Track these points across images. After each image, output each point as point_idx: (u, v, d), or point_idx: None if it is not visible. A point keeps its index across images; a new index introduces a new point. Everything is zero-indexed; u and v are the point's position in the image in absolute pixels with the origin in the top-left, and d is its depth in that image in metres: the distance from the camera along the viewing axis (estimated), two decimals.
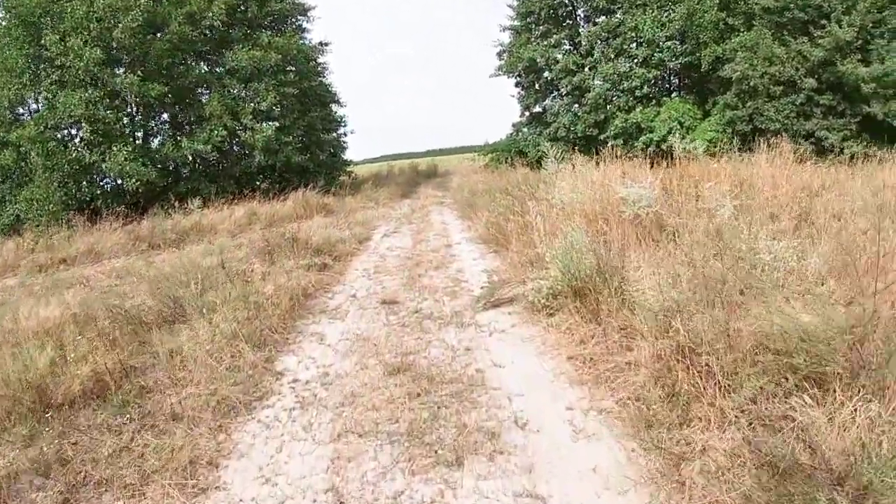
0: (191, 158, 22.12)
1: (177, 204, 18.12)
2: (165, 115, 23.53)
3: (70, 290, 10.84)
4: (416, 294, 8.97)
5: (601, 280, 6.45)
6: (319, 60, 27.20)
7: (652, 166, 13.69)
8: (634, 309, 5.68)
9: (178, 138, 21.70)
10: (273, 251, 10.79)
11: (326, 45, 27.18)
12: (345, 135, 29.16)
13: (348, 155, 30.22)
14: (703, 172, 11.68)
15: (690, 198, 9.17)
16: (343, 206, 19.72)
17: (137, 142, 21.94)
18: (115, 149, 19.10)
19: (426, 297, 8.77)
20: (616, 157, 14.28)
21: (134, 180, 19.23)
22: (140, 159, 19.61)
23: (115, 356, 6.13)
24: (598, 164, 14.85)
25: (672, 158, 13.93)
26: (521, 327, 7.02)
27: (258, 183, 23.04)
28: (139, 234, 16.29)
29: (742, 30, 22.19)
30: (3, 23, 19.93)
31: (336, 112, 28.51)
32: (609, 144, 23.50)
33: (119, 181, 20.35)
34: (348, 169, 29.65)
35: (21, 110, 20.17)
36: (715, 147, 20.52)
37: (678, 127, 22.87)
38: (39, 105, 20.32)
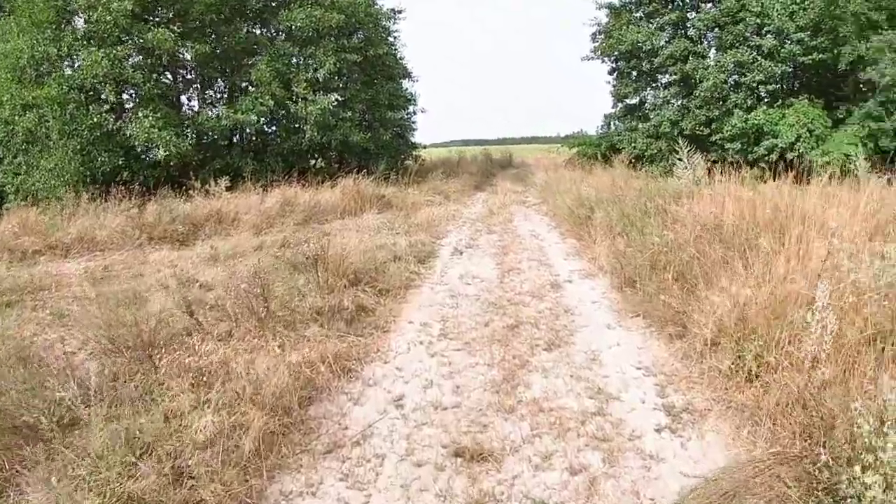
0: (232, 131, 17.42)
1: (199, 185, 13.47)
2: (221, 82, 18.96)
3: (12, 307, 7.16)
4: (524, 431, 4.11)
5: None
6: (390, 27, 22.16)
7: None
8: None
9: (217, 107, 17.20)
10: (269, 294, 5.89)
11: (399, 12, 22.17)
12: (414, 114, 24.10)
13: (417, 138, 25.28)
14: None
15: None
16: (404, 200, 14.82)
17: (188, 109, 17.72)
18: (140, 114, 14.89)
19: (547, 440, 3.98)
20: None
21: (162, 151, 14.86)
22: (171, 128, 15.28)
23: None
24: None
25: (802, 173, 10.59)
26: None
27: (313, 162, 18.40)
28: (144, 220, 11.80)
29: (885, 27, 16.85)
30: None
31: (406, 89, 23.50)
32: (726, 148, 18.73)
33: (148, 151, 15.85)
34: (416, 153, 24.64)
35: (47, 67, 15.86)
36: (852, 164, 15.87)
37: (807, 135, 17.57)
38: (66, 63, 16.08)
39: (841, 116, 18.43)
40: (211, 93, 18.74)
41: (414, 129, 24.18)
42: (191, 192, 13.43)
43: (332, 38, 17.84)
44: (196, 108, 17.77)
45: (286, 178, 15.68)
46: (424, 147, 26.60)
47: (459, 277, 8.27)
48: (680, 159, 11.13)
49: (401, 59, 22.69)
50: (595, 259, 8.73)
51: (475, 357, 5.34)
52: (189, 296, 6.35)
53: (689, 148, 11.67)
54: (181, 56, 16.53)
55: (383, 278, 7.52)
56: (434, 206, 14.52)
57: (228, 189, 13.48)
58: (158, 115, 14.99)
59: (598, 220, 9.75)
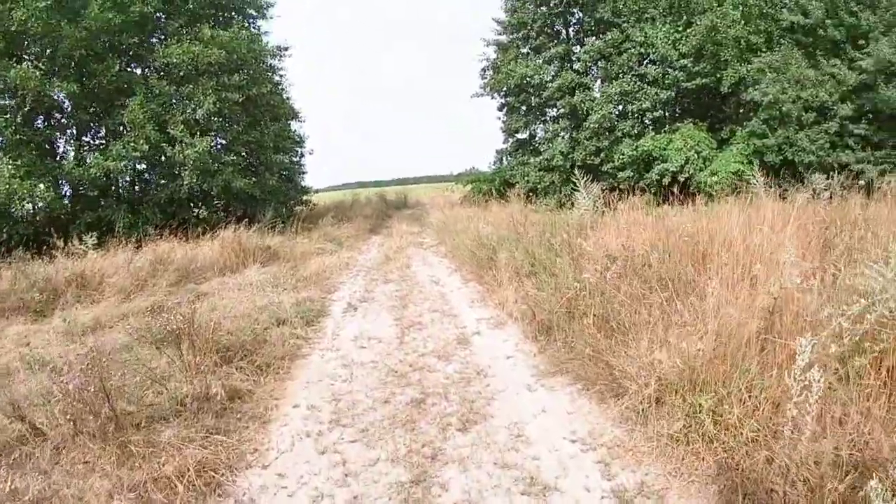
0: (105, 179, 15.55)
1: (61, 243, 11.81)
2: (94, 126, 17.06)
3: None
4: None
5: None
6: (276, 65, 20.77)
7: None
8: None
9: (85, 153, 15.52)
10: (111, 388, 4.62)
11: (286, 49, 20.67)
12: (302, 156, 22.59)
13: (308, 181, 23.90)
14: None
15: None
16: (293, 250, 13.33)
17: (62, 157, 15.81)
18: None
19: None
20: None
21: (24, 204, 13.14)
22: (36, 177, 13.66)
23: None
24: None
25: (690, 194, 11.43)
26: None
27: (195, 212, 16.84)
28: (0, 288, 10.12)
29: (763, 49, 17.72)
30: None
31: (294, 130, 22.06)
32: (618, 177, 18.63)
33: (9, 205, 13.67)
34: (306, 197, 23.16)
35: None
36: (741, 181, 16.03)
37: (695, 157, 17.81)
38: None
39: (725, 137, 19.19)
40: (87, 138, 17.00)
41: (303, 173, 22.72)
42: (53, 251, 11.74)
43: (213, 76, 16.48)
44: (71, 156, 15.85)
45: (164, 230, 14.19)
46: (316, 191, 25.19)
47: (353, 339, 7.10)
48: (576, 190, 10.69)
49: (287, 98, 21.37)
50: (502, 304, 7.80)
51: (375, 450, 4.23)
52: (32, 386, 5.10)
53: (584, 178, 11.22)
54: (51, 97, 14.75)
55: (264, 349, 6.29)
56: (325, 255, 13.24)
57: (98, 246, 11.92)
58: (18, 163, 13.38)
59: (502, 262, 8.77)
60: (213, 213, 16.37)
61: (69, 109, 15.89)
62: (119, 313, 8.89)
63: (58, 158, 15.46)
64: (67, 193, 15.75)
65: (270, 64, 20.24)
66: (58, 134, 16.09)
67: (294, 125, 22.03)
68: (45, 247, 12.31)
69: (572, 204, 17.11)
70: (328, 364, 6.27)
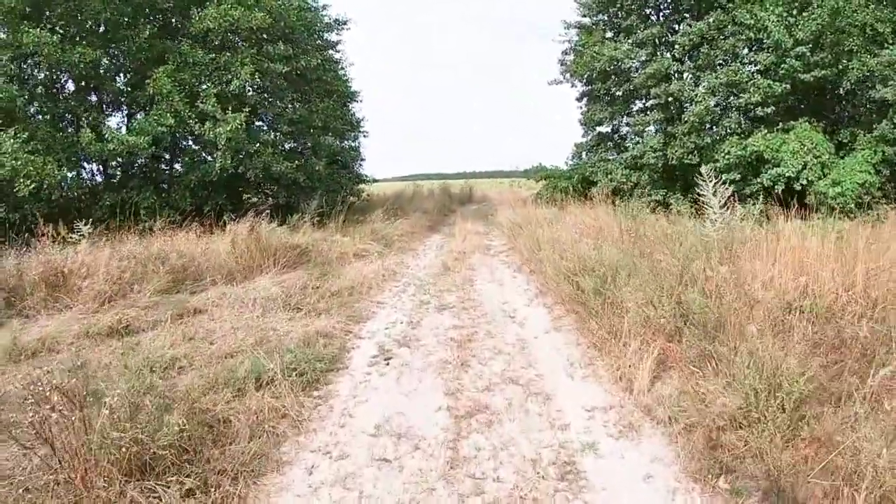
0: (128, 157, 12.84)
1: (49, 230, 9.17)
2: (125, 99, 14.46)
3: None
4: None
5: None
6: (331, 39, 17.81)
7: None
8: None
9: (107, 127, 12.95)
10: None
11: (344, 23, 17.83)
12: (355, 138, 19.49)
13: (367, 169, 20.77)
14: None
15: None
16: (329, 251, 10.32)
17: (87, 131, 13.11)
18: (2, 135, 10.73)
19: None
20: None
21: (28, 182, 10.71)
22: (46, 152, 11.35)
23: None
24: None
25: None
26: None
27: (247, 197, 14.10)
28: None
29: (890, 41, 14.21)
30: None
31: (353, 113, 19.10)
32: (722, 179, 15.08)
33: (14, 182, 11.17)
34: (360, 187, 20.06)
35: None
36: (868, 194, 13.07)
37: (813, 162, 14.12)
38: None
39: (844, 141, 15.42)
40: (119, 112, 14.62)
41: (361, 159, 19.83)
42: (40, 241, 9.10)
43: (255, 44, 13.77)
44: (89, 131, 13.27)
45: (192, 217, 11.63)
46: (375, 181, 21.97)
47: (373, 433, 4.00)
48: (700, 194, 7.91)
49: (343, 76, 18.47)
50: (628, 381, 4.49)
51: None
52: None
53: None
54: (76, 65, 12.16)
55: (213, 450, 3.39)
56: (368, 260, 10.31)
57: (100, 234, 9.35)
58: (26, 136, 10.99)
59: (629, 307, 5.19)
60: (247, 200, 13.58)
61: (99, 80, 13.46)
62: (77, 331, 6.27)
63: (77, 133, 12.97)
64: (93, 171, 13.68)
65: (327, 39, 17.53)
66: (83, 107, 13.60)
67: (353, 107, 19.15)
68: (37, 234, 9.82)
69: (666, 207, 13.94)
70: (314, 501, 3.24)
